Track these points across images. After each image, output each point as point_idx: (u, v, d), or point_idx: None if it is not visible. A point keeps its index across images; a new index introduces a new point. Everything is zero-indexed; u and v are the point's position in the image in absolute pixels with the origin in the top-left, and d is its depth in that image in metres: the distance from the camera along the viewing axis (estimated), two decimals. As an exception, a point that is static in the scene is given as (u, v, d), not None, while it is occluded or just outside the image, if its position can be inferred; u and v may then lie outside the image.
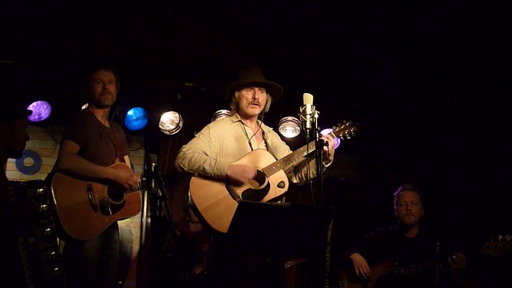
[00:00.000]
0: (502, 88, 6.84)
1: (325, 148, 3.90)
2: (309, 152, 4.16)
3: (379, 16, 6.28)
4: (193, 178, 4.00)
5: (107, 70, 4.53)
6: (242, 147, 4.18)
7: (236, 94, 4.26)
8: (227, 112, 6.43)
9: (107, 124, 4.58)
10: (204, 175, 3.99)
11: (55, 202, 4.11)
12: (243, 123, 4.26)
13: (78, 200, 4.24)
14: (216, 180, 4.01)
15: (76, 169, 4.25)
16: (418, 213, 5.25)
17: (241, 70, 4.35)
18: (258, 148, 4.23)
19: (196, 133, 4.23)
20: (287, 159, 4.20)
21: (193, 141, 4.09)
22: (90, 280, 4.27)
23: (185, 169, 3.97)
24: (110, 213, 4.36)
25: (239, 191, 4.04)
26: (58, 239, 3.70)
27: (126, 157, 4.68)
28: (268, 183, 4.13)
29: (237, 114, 4.29)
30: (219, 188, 4.01)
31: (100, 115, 4.54)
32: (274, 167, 4.14)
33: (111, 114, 4.71)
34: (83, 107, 4.74)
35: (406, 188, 5.35)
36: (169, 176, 4.77)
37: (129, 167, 4.60)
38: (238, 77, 4.30)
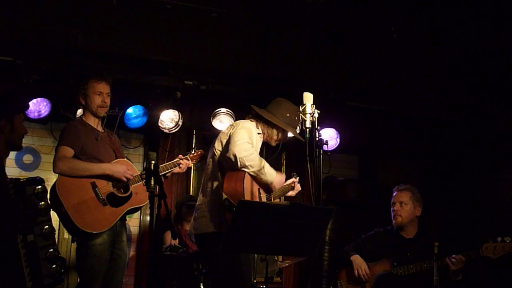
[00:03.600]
0: (501, 90, 6.84)
1: (291, 193, 4.53)
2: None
3: (379, 15, 6.28)
4: (247, 175, 4.08)
5: (107, 83, 4.67)
6: None
7: (276, 131, 4.38)
8: (227, 110, 6.44)
9: (100, 129, 4.70)
10: (256, 175, 4.11)
11: (63, 203, 4.24)
12: (261, 139, 4.40)
13: (85, 197, 4.35)
14: (258, 183, 4.19)
15: (71, 170, 4.36)
16: (408, 213, 5.21)
17: (293, 107, 4.34)
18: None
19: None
20: (276, 194, 4.45)
21: (247, 138, 4.12)
22: (99, 277, 4.37)
23: (246, 163, 4.01)
24: (119, 205, 4.46)
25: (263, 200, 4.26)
26: (56, 236, 3.71)
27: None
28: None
29: (263, 129, 4.37)
30: (255, 192, 4.20)
31: (95, 122, 4.67)
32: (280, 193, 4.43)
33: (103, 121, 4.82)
34: (78, 111, 4.86)
35: (398, 188, 5.34)
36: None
37: (128, 161, 4.71)
38: (290, 111, 4.34)
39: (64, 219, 4.27)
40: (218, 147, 4.28)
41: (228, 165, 4.12)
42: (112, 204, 4.43)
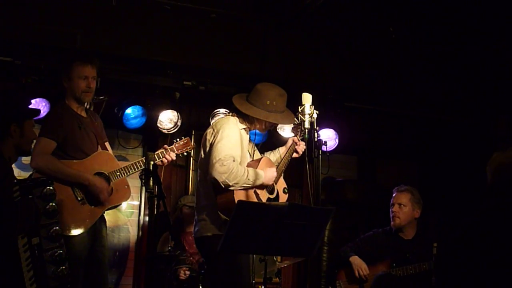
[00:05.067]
0: (500, 91, 6.85)
1: (295, 155, 4.38)
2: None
3: (378, 16, 6.28)
4: (236, 192, 3.98)
5: (93, 66, 4.40)
6: (245, 154, 4.22)
7: (265, 122, 4.26)
8: (226, 111, 6.43)
9: (84, 114, 4.49)
10: (243, 188, 4.00)
11: None
12: (246, 132, 4.28)
13: (63, 197, 4.15)
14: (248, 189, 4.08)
15: (48, 169, 4.14)
16: (406, 215, 5.21)
17: (273, 92, 4.26)
18: (264, 156, 4.39)
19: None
20: (283, 166, 4.36)
21: (228, 152, 3.99)
22: (78, 277, 4.20)
23: (229, 183, 3.91)
24: (99, 204, 4.30)
25: (264, 199, 4.17)
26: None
27: (107, 144, 4.62)
28: (277, 191, 4.22)
29: (245, 122, 4.24)
30: (251, 197, 4.09)
31: (78, 107, 4.46)
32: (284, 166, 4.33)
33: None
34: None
35: (397, 190, 5.34)
36: None
37: (108, 153, 4.54)
38: (270, 97, 4.21)
39: None
40: (202, 155, 4.20)
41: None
42: (91, 202, 4.26)
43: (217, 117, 6.41)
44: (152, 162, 3.57)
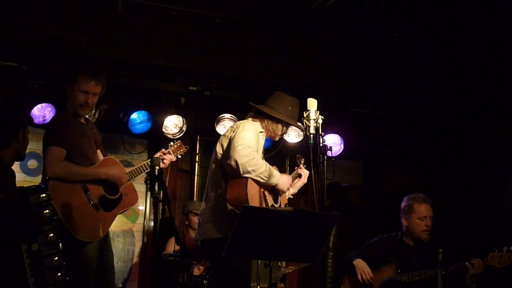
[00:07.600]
0: (505, 96, 6.84)
1: (300, 180, 4.50)
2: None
3: (383, 22, 6.28)
4: (250, 181, 4.05)
5: (97, 83, 4.36)
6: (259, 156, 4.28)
7: (281, 125, 4.39)
8: (231, 116, 6.44)
9: (83, 121, 4.51)
10: (259, 179, 4.07)
11: (58, 211, 4.01)
12: (262, 137, 4.37)
13: (78, 203, 4.19)
14: (262, 186, 4.16)
15: (67, 174, 4.17)
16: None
17: (294, 100, 4.43)
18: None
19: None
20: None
21: (250, 141, 4.09)
22: (91, 282, 4.25)
23: (248, 168, 3.98)
24: (111, 209, 4.35)
25: (269, 203, 4.23)
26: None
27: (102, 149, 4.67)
28: (280, 204, 4.32)
29: (262, 127, 4.34)
30: (260, 196, 4.17)
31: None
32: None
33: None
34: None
35: (423, 200, 5.19)
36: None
37: (116, 160, 4.59)
38: (291, 104, 4.39)
39: (59, 227, 3.90)
40: (219, 150, 4.25)
41: (230, 170, 4.10)
42: (105, 208, 4.30)
43: (222, 122, 6.42)
44: (157, 167, 3.57)
